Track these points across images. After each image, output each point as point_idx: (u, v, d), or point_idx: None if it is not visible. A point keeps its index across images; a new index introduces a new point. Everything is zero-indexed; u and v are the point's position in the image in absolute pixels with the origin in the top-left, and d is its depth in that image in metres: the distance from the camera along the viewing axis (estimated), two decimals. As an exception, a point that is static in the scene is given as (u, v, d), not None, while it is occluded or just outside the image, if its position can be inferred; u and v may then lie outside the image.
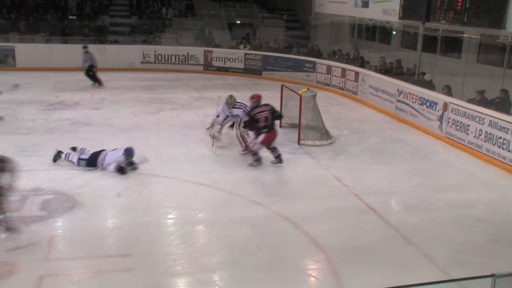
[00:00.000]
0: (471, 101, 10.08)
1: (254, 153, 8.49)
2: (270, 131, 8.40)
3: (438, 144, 10.32)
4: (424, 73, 12.31)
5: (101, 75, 16.41)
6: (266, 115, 8.38)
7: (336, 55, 16.45)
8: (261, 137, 8.32)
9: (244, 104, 8.97)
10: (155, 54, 17.93)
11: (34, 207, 6.64)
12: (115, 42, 18.44)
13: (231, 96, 9.08)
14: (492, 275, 3.55)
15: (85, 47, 14.96)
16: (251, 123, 8.46)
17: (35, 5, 19.65)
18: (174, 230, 6.36)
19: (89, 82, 14.90)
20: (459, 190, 7.94)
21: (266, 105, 8.61)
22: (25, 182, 7.35)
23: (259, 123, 8.34)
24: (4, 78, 15.01)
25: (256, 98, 8.79)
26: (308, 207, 7.00)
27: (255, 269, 5.44)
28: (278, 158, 8.57)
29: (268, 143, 8.48)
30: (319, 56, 16.86)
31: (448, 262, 5.68)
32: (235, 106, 8.97)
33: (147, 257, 5.56)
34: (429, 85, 11.68)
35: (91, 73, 14.78)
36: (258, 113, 8.41)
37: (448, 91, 10.79)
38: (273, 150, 8.60)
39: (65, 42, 18.10)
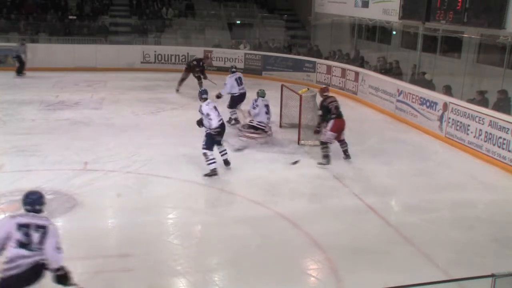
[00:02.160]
0: (471, 101, 10.08)
1: (325, 146, 8.61)
2: (339, 117, 8.75)
3: (438, 144, 10.32)
4: (424, 73, 12.31)
5: (101, 75, 16.45)
6: (336, 105, 8.80)
7: (336, 55, 16.45)
8: (331, 122, 8.63)
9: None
10: (155, 54, 17.92)
11: (34, 207, 6.63)
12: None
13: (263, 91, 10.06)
14: (492, 275, 3.55)
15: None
16: (324, 113, 8.77)
17: (35, 5, 19.65)
18: (174, 230, 6.36)
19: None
20: (459, 190, 7.94)
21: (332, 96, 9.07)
22: (25, 182, 7.38)
23: (331, 113, 8.70)
24: (5, 78, 15.04)
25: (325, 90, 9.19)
26: (308, 207, 7.01)
27: (255, 269, 5.44)
28: (346, 154, 8.90)
29: (338, 131, 8.75)
30: (319, 56, 16.86)
31: (448, 262, 5.68)
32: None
33: (147, 257, 5.56)
34: (429, 85, 11.69)
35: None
36: (330, 103, 8.79)
37: (448, 91, 10.79)
38: (343, 142, 8.93)
39: (65, 42, 18.09)
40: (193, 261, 5.58)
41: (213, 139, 7.89)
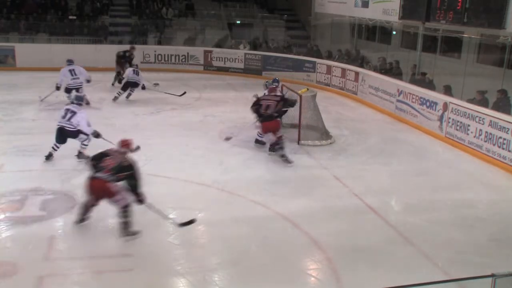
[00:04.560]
0: (471, 101, 10.08)
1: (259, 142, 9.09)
2: (267, 120, 8.79)
3: (438, 144, 10.32)
4: (424, 73, 12.32)
5: (101, 75, 16.42)
6: (269, 103, 8.86)
7: (336, 55, 16.45)
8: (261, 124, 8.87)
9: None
10: (155, 54, 17.92)
11: (34, 207, 6.64)
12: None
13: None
14: (492, 275, 3.55)
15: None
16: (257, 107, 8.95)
17: (35, 5, 19.64)
18: (174, 230, 6.36)
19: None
20: (459, 190, 7.94)
21: (276, 95, 9.14)
22: (25, 182, 7.39)
23: (261, 109, 8.87)
24: (5, 78, 15.04)
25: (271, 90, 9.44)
26: (308, 207, 7.00)
27: (255, 269, 5.44)
28: (283, 157, 8.70)
29: (266, 131, 8.88)
30: (319, 56, 16.86)
31: (448, 262, 5.68)
32: None
33: (147, 257, 5.56)
34: (429, 85, 11.69)
35: None
36: (263, 99, 8.98)
37: (448, 91, 10.79)
38: (277, 144, 8.77)
39: (65, 42, 18.09)
40: (193, 261, 5.57)
41: None
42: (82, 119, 8.32)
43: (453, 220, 6.83)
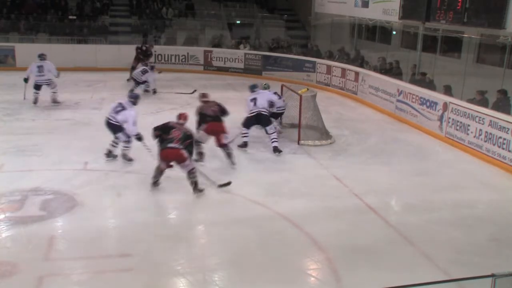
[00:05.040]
0: (471, 101, 10.08)
1: (197, 144, 8.37)
2: (215, 121, 8.53)
3: (438, 144, 10.32)
4: (424, 73, 12.32)
5: (101, 75, 16.45)
6: (213, 109, 8.59)
7: (336, 55, 16.45)
8: (206, 124, 8.52)
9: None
10: (155, 54, 17.91)
11: (34, 207, 6.64)
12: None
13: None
14: (492, 275, 3.54)
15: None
16: (200, 119, 8.67)
17: (35, 5, 19.64)
18: (174, 230, 6.36)
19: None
20: (459, 190, 7.94)
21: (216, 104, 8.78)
22: (25, 182, 7.39)
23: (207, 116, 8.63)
24: (5, 78, 15.03)
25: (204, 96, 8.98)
26: (308, 207, 7.00)
27: (255, 269, 5.44)
28: (230, 159, 8.53)
29: (212, 133, 8.57)
30: (319, 56, 16.86)
31: (448, 262, 5.67)
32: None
33: (147, 257, 5.56)
34: (429, 85, 11.69)
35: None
36: (207, 108, 8.66)
37: (448, 91, 10.79)
38: (224, 147, 8.56)
39: (65, 42, 18.09)
40: (193, 261, 5.57)
41: None
42: (130, 117, 8.11)
43: (453, 220, 6.82)
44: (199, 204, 7.08)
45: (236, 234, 6.17)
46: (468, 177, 8.60)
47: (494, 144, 8.98)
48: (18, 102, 12.46)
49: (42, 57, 12.36)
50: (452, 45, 13.44)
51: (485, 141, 9.19)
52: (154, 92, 14.08)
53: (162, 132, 7.17)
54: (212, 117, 8.51)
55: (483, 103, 9.86)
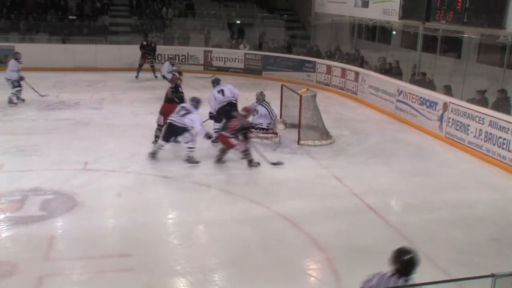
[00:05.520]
0: (471, 101, 10.08)
1: (157, 128, 9.39)
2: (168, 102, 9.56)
3: (438, 144, 10.32)
4: (424, 73, 12.32)
5: (101, 75, 16.44)
6: (169, 90, 9.80)
7: (336, 55, 16.45)
8: None
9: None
10: (155, 54, 17.91)
11: (34, 207, 6.64)
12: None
13: (261, 92, 10.16)
14: (492, 275, 3.54)
15: None
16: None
17: (35, 5, 19.64)
18: (174, 230, 6.36)
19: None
20: (459, 190, 7.93)
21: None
22: (25, 182, 7.39)
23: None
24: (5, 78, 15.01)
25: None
26: (308, 207, 7.00)
27: (255, 269, 5.44)
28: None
29: (164, 114, 9.19)
30: (319, 56, 16.86)
31: (448, 262, 5.67)
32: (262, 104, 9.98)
33: (147, 257, 5.56)
34: (429, 85, 11.69)
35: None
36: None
37: (448, 91, 10.79)
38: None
39: (65, 42, 18.09)
40: (193, 261, 5.57)
41: None
42: (196, 120, 8.45)
43: (453, 220, 6.82)
44: (199, 204, 7.08)
45: (236, 234, 6.17)
46: (468, 177, 8.60)
47: (494, 144, 8.98)
48: (18, 102, 12.45)
49: (14, 55, 12.56)
50: (452, 45, 13.44)
51: (485, 141, 9.19)
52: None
53: (227, 119, 8.59)
54: (167, 99, 9.56)
55: (483, 103, 9.86)
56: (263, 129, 9.90)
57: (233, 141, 8.31)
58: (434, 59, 13.46)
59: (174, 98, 9.50)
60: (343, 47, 16.90)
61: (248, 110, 8.71)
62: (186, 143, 8.55)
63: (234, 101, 9.72)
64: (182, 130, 8.45)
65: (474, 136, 9.47)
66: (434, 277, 5.00)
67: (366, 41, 17.48)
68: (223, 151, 8.54)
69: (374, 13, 14.56)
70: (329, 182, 8.03)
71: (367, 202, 7.20)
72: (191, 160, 8.51)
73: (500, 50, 11.58)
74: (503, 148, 8.78)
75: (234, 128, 8.30)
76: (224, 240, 6.02)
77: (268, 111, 9.96)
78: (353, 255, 5.76)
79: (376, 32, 17.16)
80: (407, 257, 3.75)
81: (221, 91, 9.79)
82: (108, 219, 6.62)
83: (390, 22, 14.25)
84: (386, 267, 5.52)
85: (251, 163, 8.37)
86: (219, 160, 8.51)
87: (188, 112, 8.46)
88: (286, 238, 6.14)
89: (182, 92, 9.84)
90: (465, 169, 8.97)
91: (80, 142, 9.46)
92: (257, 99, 10.04)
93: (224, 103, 9.64)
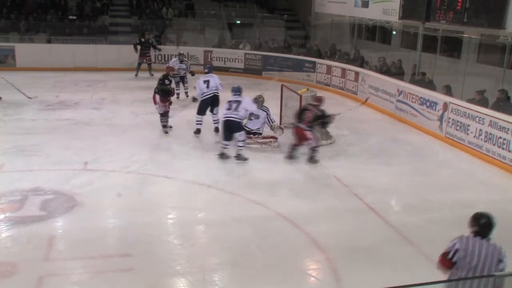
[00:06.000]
0: (471, 101, 10.08)
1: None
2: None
3: (438, 144, 10.32)
4: (424, 73, 12.31)
5: (101, 75, 16.45)
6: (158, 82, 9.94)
7: (336, 55, 16.44)
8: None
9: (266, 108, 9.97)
10: (155, 54, 17.91)
11: (34, 207, 6.64)
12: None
13: (261, 95, 10.04)
14: (492, 275, 3.55)
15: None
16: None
17: (35, 5, 19.64)
18: (174, 230, 6.37)
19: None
20: (459, 190, 7.94)
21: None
22: (25, 182, 7.39)
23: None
24: (4, 78, 15.01)
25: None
26: (308, 207, 7.00)
27: (255, 269, 5.44)
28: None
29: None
30: (319, 56, 16.86)
31: (448, 262, 5.66)
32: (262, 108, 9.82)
33: (147, 257, 5.56)
34: (429, 85, 11.69)
35: None
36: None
37: (448, 91, 10.79)
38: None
39: (65, 42, 18.09)
40: (193, 261, 5.57)
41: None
42: (248, 103, 8.65)
43: (453, 220, 6.81)
44: (199, 204, 7.08)
45: (236, 234, 6.17)
46: (468, 177, 8.60)
47: (494, 144, 8.98)
48: (18, 102, 12.45)
49: None
50: (452, 45, 13.44)
51: (485, 141, 9.19)
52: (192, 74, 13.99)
53: (300, 111, 8.63)
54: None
55: (483, 103, 9.86)
56: (257, 133, 9.78)
57: (308, 134, 8.42)
58: (434, 59, 13.45)
59: (158, 90, 9.78)
60: (343, 47, 16.89)
61: (319, 100, 8.82)
62: (239, 141, 8.60)
63: (217, 94, 10.04)
64: (238, 126, 8.56)
65: (474, 136, 9.47)
66: (434, 277, 5.00)
67: (366, 41, 17.48)
68: (295, 146, 8.64)
69: (374, 13, 14.56)
70: (329, 182, 8.04)
71: (367, 202, 7.20)
72: (240, 157, 8.60)
73: (500, 50, 11.57)
74: (503, 148, 8.77)
75: (308, 119, 8.41)
76: (224, 240, 6.02)
77: (267, 117, 9.84)
78: (353, 255, 5.76)
79: (376, 32, 17.15)
80: (483, 220, 4.20)
81: (207, 82, 9.96)
82: (108, 219, 6.63)
83: (390, 22, 14.25)
84: (386, 267, 5.54)
85: (312, 160, 8.52)
86: (291, 156, 8.61)
87: (239, 103, 8.58)
88: (286, 238, 6.14)
89: (169, 84, 9.95)
90: (465, 169, 8.97)
91: (80, 142, 9.46)
92: (256, 102, 9.80)
93: (209, 95, 9.94)
